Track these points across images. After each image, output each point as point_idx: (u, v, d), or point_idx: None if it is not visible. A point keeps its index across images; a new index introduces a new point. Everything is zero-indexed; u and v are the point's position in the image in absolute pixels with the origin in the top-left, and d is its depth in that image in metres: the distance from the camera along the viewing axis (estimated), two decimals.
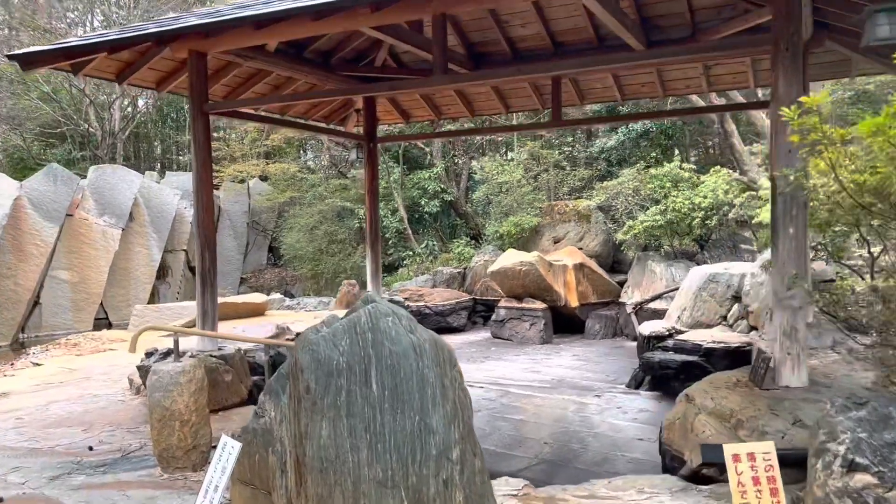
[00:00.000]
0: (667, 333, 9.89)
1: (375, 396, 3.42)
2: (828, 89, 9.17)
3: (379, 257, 9.78)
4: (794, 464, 3.87)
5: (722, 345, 8.72)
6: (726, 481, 4.04)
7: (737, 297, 10.00)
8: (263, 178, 23.52)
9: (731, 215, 12.16)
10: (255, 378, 8.18)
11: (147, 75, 7.78)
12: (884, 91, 11.40)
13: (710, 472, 4.12)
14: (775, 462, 3.38)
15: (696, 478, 4.12)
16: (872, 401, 3.39)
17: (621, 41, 6.84)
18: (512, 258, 13.74)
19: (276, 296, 16.60)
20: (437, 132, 11.53)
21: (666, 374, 8.84)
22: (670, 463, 4.80)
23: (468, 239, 18.14)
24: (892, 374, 5.59)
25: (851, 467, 3.17)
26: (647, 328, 10.24)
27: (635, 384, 9.65)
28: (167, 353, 6.84)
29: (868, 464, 3.13)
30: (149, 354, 7.42)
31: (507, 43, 8.20)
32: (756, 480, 3.38)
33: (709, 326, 9.97)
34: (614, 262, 15.23)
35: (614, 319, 13.85)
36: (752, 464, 3.40)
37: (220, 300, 14.23)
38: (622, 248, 14.28)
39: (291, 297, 19.61)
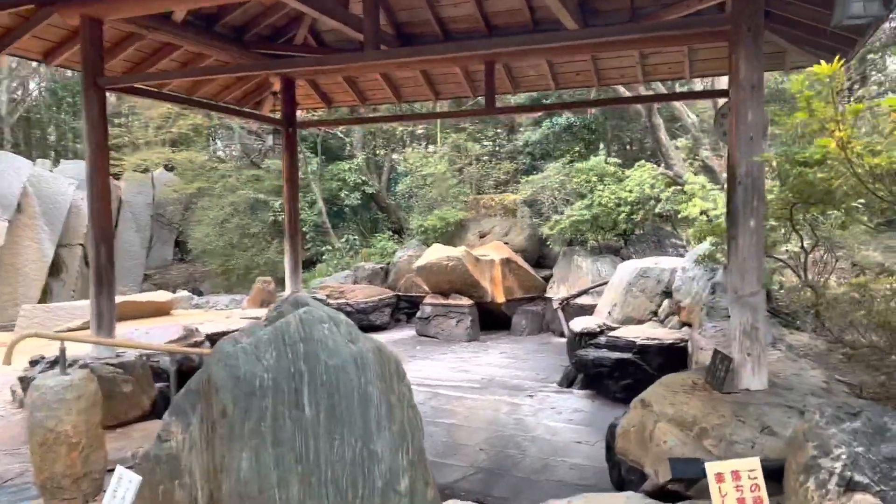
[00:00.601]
0: (598, 330, 9.68)
1: (308, 420, 2.85)
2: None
3: (299, 252, 9.09)
4: (767, 476, 3.53)
5: (656, 341, 8.55)
6: (696, 497, 3.70)
7: (667, 293, 9.90)
8: (169, 169, 22.09)
9: (657, 210, 12.11)
10: (161, 385, 7.34)
11: (32, 45, 6.81)
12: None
13: (676, 487, 3.75)
14: (762, 481, 3.03)
15: (662, 494, 3.75)
16: (865, 410, 3.08)
17: (558, 25, 6.47)
18: (438, 253, 13.27)
19: (184, 293, 15.49)
20: (364, 117, 10.85)
21: (600, 372, 8.59)
22: (627, 475, 4.44)
23: (391, 233, 17.55)
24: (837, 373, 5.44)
25: (850, 486, 2.84)
26: (578, 325, 10.00)
27: (567, 382, 9.37)
28: (56, 362, 5.95)
29: (868, 482, 2.81)
30: (34, 363, 6.48)
31: (438, 24, 7.68)
32: (741, 502, 3.00)
33: (640, 322, 9.82)
34: (539, 256, 15.03)
35: (541, 315, 13.63)
36: (737, 483, 3.03)
37: (121, 299, 13.07)
38: (548, 243, 14.08)
39: (200, 294, 18.44)
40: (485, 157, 17.19)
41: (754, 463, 3.09)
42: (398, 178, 19.00)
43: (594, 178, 13.31)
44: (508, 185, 16.40)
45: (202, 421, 3.02)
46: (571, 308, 12.95)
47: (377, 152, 19.03)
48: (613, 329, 9.57)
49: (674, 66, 8.23)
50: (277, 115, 9.30)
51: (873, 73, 15.61)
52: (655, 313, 9.84)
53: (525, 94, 14.11)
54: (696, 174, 12.40)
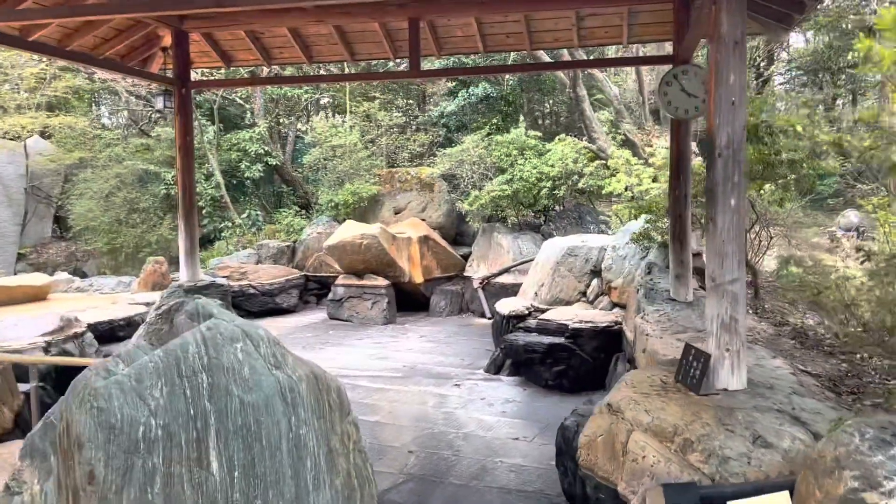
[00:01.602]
0: (526, 312, 9.15)
1: (217, 483, 2.01)
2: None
3: (195, 229, 7.98)
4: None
5: (589, 325, 8.09)
6: None
7: (595, 272, 9.49)
8: (46, 136, 19.84)
9: (580, 185, 11.70)
10: (28, 388, 6.15)
11: None
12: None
13: None
14: None
15: None
16: None
17: None
18: (351, 230, 12.37)
19: (63, 275, 13.83)
20: (269, 77, 9.60)
21: (531, 358, 8.07)
22: (594, 493, 3.84)
23: (297, 209, 16.40)
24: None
25: None
26: (505, 307, 9.44)
27: (495, 369, 8.81)
28: None
29: None
30: None
31: None
32: None
33: (568, 303, 9.38)
34: (457, 234, 14.40)
35: (459, 295, 13.03)
36: None
37: None
38: (467, 220, 13.45)
39: (84, 276, 16.67)
40: (397, 129, 16.29)
41: (783, 499, 2.51)
42: (305, 149, 17.80)
43: (514, 152, 12.76)
44: (424, 157, 15.62)
45: (62, 487, 2.12)
46: (492, 287, 12.42)
47: (280, 121, 17.70)
48: (542, 311, 9.07)
49: (611, 30, 7.67)
50: (170, 74, 8.09)
51: (781, 51, 15.81)
52: (584, 294, 9.42)
53: (447, 59, 13.32)
54: (618, 148, 12.06)
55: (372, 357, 9.81)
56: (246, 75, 15.09)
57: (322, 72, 10.64)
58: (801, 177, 6.84)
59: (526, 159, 12.59)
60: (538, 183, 12.18)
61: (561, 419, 5.01)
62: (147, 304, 10.51)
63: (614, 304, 8.79)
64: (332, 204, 14.43)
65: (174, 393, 2.01)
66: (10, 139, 18.55)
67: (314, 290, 14.37)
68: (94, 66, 7.04)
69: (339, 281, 12.81)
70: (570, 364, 7.89)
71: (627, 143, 12.50)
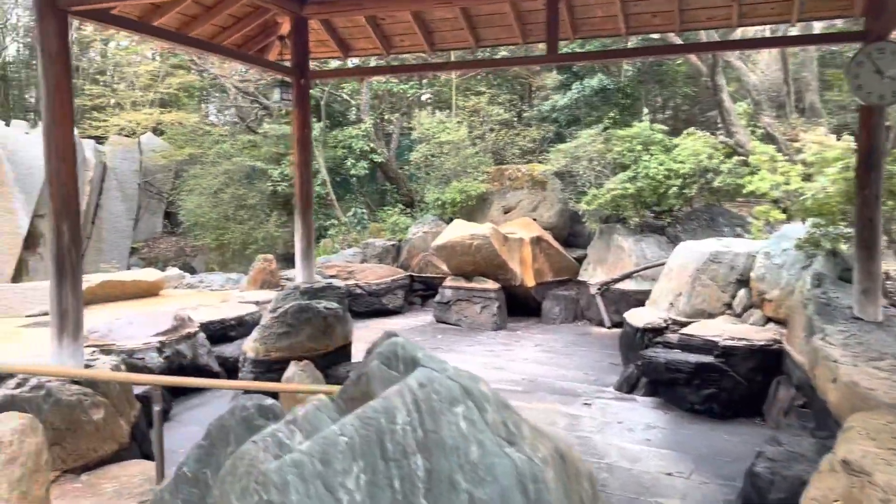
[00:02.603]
0: (664, 325, 8.23)
1: None
2: None
3: (312, 229, 7.54)
4: None
5: (743, 342, 7.11)
6: None
7: (742, 281, 8.44)
8: (157, 133, 20.36)
9: (716, 183, 10.61)
10: (145, 390, 5.82)
11: None
12: None
13: None
14: None
15: None
16: None
17: None
18: (460, 230, 11.76)
19: (174, 271, 13.95)
20: (388, 66, 8.95)
21: (674, 378, 7.17)
22: None
23: (402, 207, 15.97)
24: None
25: None
26: (639, 318, 8.55)
27: (627, 387, 7.96)
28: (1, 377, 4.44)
29: None
30: None
31: None
32: None
33: (711, 316, 8.38)
34: (570, 234, 13.55)
35: (574, 301, 12.18)
36: None
37: (103, 278, 11.51)
38: (583, 220, 12.57)
39: (192, 271, 16.90)
40: (504, 125, 15.55)
41: None
42: (407, 146, 17.39)
43: (639, 147, 11.78)
44: (533, 154, 14.84)
45: None
46: (612, 294, 11.52)
47: (384, 117, 17.34)
48: (682, 324, 8.14)
49: (778, 5, 6.67)
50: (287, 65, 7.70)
51: None
52: (729, 305, 8.39)
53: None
54: (759, 143, 10.89)
55: (487, 366, 9.15)
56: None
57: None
58: None
59: (651, 155, 11.60)
60: (665, 181, 11.18)
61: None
62: (257, 303, 10.27)
63: (768, 319, 7.75)
64: (439, 202, 13.88)
65: (377, 484, 1.36)
66: (125, 136, 19.09)
67: (419, 291, 13.88)
68: (215, 52, 6.69)
69: (447, 283, 12.23)
70: (722, 387, 6.95)
71: (767, 138, 11.30)
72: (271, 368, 6.78)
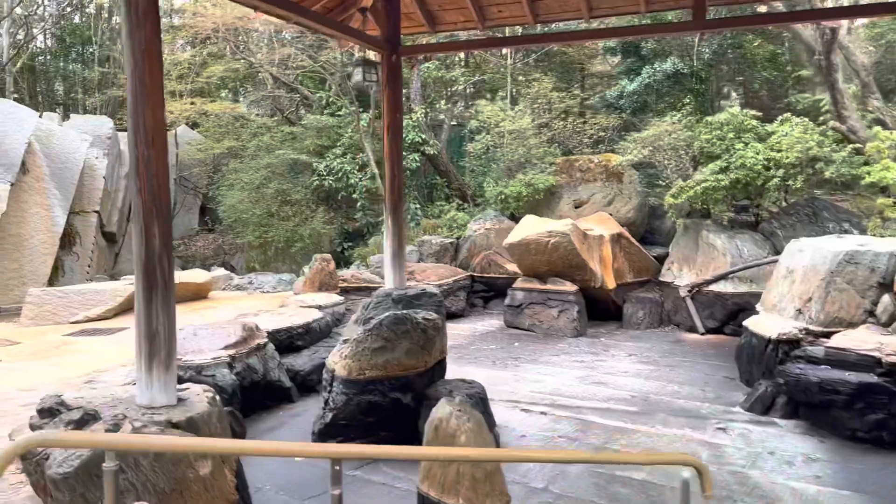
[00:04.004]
0: (800, 336, 7.18)
1: None
2: None
3: (403, 226, 6.59)
4: None
5: None
6: None
7: (885, 285, 7.37)
8: (193, 126, 19.52)
9: (828, 174, 9.52)
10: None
11: None
12: None
13: None
14: None
15: None
16: None
17: None
18: (536, 227, 10.77)
19: (220, 271, 13.10)
20: (489, 39, 7.70)
21: (831, 400, 6.15)
22: None
23: (459, 202, 14.96)
24: None
25: None
26: (771, 327, 7.49)
27: (762, 407, 6.93)
28: (82, 421, 3.50)
29: None
30: (44, 412, 3.99)
31: None
32: None
33: (850, 325, 7.31)
34: (647, 231, 12.49)
35: (658, 304, 11.15)
36: None
37: None
38: (669, 215, 11.51)
39: (232, 270, 16.06)
40: (570, 113, 14.50)
41: None
42: (463, 136, 16.38)
43: (730, 135, 10.71)
44: (604, 144, 13.79)
45: None
46: (705, 297, 10.48)
47: (435, 106, 16.32)
48: (817, 335, 7.10)
49: None
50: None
51: None
52: (871, 313, 7.32)
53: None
54: (869, 128, 9.79)
55: (584, 381, 8.16)
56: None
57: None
58: None
59: (745, 144, 10.53)
60: (764, 172, 10.11)
61: None
62: (320, 308, 9.34)
63: None
64: (502, 196, 12.88)
65: None
66: None
67: (480, 293, 12.93)
68: (305, 18, 5.68)
69: (518, 284, 11.25)
70: (892, 411, 5.91)
71: (878, 123, 10.17)
72: (365, 390, 5.84)
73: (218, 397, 4.03)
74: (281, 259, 15.97)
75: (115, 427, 3.47)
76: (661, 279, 11.56)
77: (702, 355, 9.25)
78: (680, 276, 11.21)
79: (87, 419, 3.51)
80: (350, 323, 6.59)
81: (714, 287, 10.44)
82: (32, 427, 3.94)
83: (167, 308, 3.68)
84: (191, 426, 3.50)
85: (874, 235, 9.18)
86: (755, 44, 13.86)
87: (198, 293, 10.93)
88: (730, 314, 10.29)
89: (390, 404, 5.89)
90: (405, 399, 5.93)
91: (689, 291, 10.61)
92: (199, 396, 3.84)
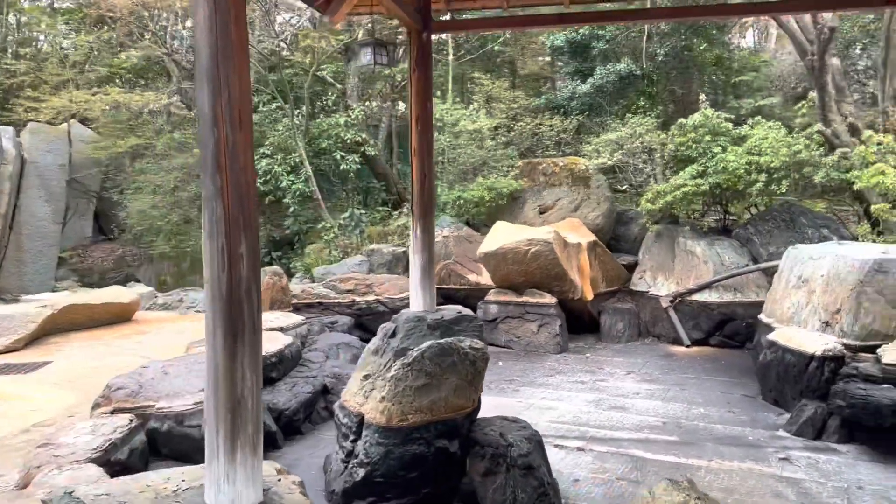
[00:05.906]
0: (843, 352, 6.69)
1: None
2: None
3: (433, 238, 5.46)
4: None
5: None
6: None
7: None
8: (86, 123, 17.15)
9: (817, 178, 9.28)
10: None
11: None
12: None
13: None
14: None
15: None
16: None
17: None
18: (512, 235, 9.92)
19: (141, 288, 11.27)
20: (529, 16, 6.55)
21: None
22: None
23: (398, 208, 13.79)
24: None
25: None
26: (803, 342, 6.98)
27: (813, 432, 6.38)
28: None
29: None
30: None
31: None
32: None
33: (887, 338, 6.93)
34: (613, 238, 11.93)
35: (635, 314, 10.58)
36: None
37: (67, 300, 8.81)
38: (644, 221, 11.01)
39: (137, 283, 14.08)
40: (528, 113, 13.73)
41: None
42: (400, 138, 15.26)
43: (707, 138, 10.34)
44: (562, 147, 13.14)
45: None
46: (689, 307, 10.01)
47: (371, 104, 15.07)
48: (856, 349, 6.66)
49: None
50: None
51: None
52: None
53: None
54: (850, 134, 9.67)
55: (599, 405, 7.35)
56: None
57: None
58: None
59: (723, 147, 10.19)
60: (746, 176, 9.77)
61: None
62: (283, 330, 7.97)
63: None
64: (459, 202, 11.92)
65: None
66: (50, 124, 15.88)
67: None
68: None
69: (492, 297, 10.36)
70: None
71: (851, 129, 10.09)
72: (409, 439, 4.70)
73: (300, 489, 2.80)
74: (199, 272, 14.16)
75: None
76: (632, 288, 11.02)
77: (703, 370, 8.70)
78: (655, 285, 10.70)
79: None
80: (367, 353, 5.40)
81: (698, 297, 9.99)
82: None
83: (255, 364, 2.45)
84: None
85: (867, 241, 9.02)
86: (702, 46, 13.73)
87: (121, 315, 9.19)
88: (716, 325, 9.87)
89: (435, 455, 4.77)
90: (452, 447, 4.83)
91: (672, 301, 10.11)
92: (287, 487, 2.61)
